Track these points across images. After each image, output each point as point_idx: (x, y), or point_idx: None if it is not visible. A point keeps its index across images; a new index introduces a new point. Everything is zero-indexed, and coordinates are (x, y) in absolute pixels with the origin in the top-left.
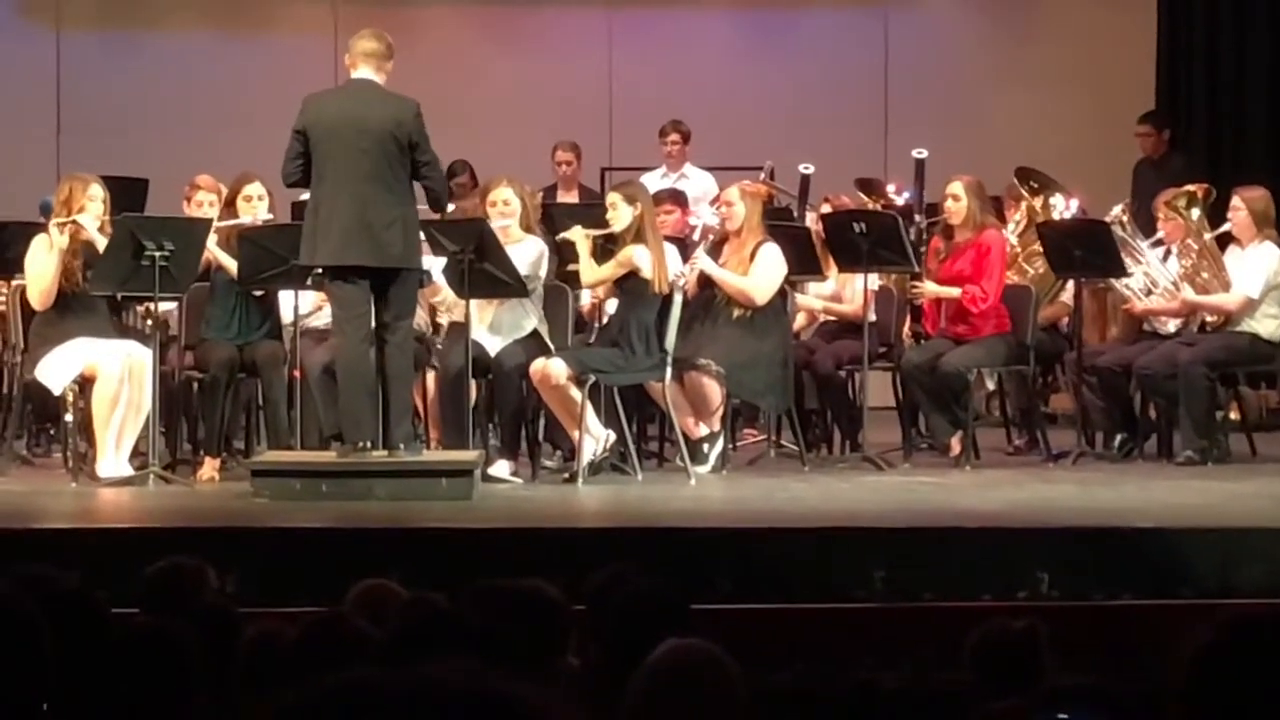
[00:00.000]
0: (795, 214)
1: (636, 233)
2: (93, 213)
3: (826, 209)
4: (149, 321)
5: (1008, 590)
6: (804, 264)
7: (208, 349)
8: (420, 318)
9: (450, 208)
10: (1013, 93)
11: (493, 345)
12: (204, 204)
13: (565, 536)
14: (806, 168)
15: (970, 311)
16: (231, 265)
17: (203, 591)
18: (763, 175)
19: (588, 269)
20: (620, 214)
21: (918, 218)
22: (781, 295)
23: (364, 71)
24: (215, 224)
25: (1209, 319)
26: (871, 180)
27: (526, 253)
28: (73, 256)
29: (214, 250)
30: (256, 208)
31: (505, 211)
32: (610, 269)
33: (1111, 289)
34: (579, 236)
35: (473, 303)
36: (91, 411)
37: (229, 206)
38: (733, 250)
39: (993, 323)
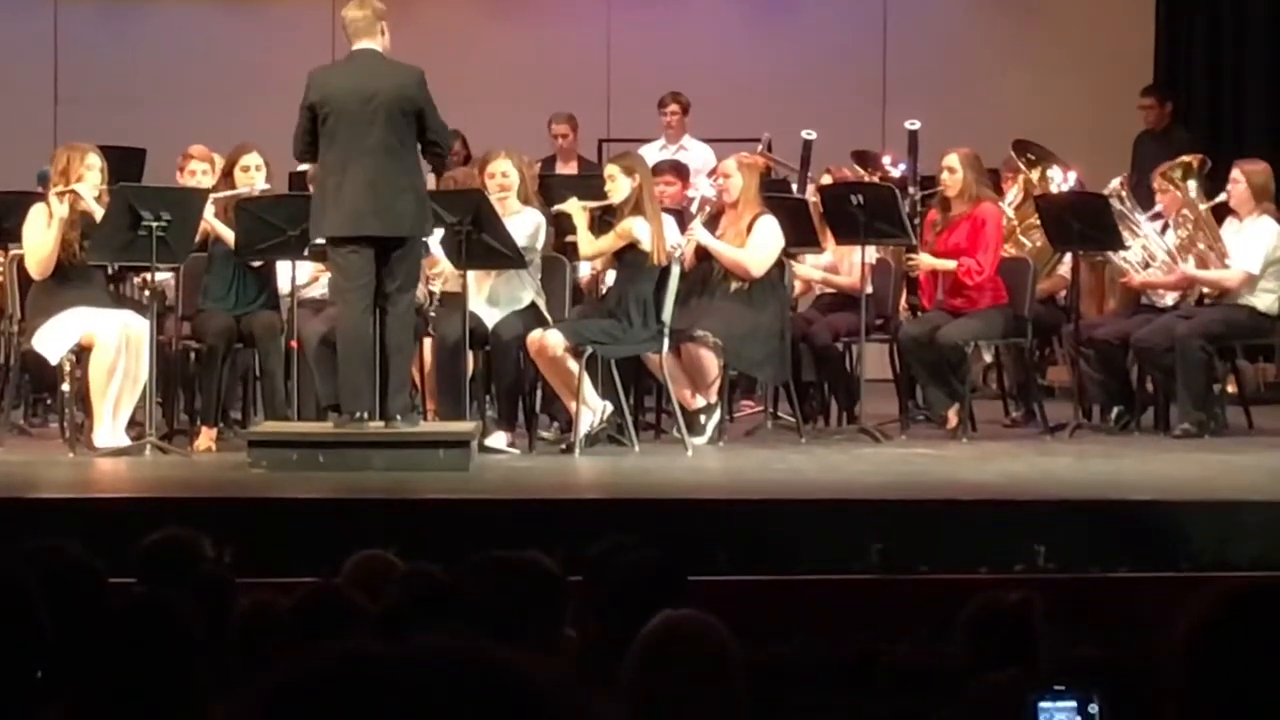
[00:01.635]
0: (797, 181)
1: (635, 204)
2: (90, 182)
3: (827, 180)
4: (146, 291)
5: (1004, 563)
6: (801, 236)
7: (205, 319)
8: (419, 289)
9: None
10: (1011, 66)
11: (490, 317)
12: (197, 173)
13: (562, 508)
14: (809, 134)
15: (965, 284)
16: (229, 235)
17: (199, 562)
18: (760, 147)
19: (586, 241)
20: (619, 186)
21: (911, 190)
22: (779, 267)
23: (364, 42)
24: (213, 194)
25: (1206, 292)
26: (866, 153)
27: (524, 224)
28: (70, 226)
29: (211, 221)
30: (254, 178)
31: (503, 183)
32: (609, 241)
33: (1109, 262)
34: (575, 209)
35: (470, 274)
36: (88, 381)
37: (226, 177)
38: (730, 222)
39: (989, 295)
